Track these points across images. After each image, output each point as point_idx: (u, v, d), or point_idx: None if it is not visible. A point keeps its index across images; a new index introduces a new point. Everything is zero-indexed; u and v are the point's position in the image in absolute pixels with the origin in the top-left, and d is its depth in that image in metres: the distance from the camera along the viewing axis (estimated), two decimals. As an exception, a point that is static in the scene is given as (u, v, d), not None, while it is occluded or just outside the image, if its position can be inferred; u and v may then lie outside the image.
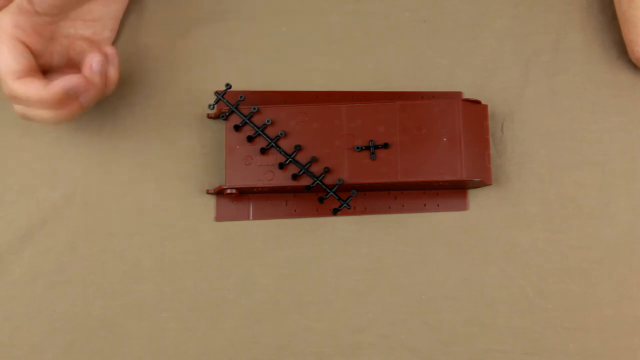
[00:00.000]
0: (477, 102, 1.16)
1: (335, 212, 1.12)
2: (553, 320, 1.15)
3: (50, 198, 1.18)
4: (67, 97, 1.01)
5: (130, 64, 1.22)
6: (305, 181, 1.13)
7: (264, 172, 1.13)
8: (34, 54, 1.04)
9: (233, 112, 1.14)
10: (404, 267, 1.17)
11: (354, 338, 1.15)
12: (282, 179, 1.13)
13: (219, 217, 1.18)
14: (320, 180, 1.11)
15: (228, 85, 1.14)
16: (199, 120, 1.21)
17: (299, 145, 1.13)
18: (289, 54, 1.23)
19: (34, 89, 1.00)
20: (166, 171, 1.19)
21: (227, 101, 1.15)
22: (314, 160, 1.12)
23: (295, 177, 1.12)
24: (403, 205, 1.19)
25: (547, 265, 1.17)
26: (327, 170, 1.12)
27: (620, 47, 1.22)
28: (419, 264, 1.17)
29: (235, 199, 1.18)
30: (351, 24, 1.24)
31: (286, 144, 1.13)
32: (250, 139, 1.14)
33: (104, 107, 1.20)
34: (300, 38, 1.24)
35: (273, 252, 1.17)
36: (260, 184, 1.13)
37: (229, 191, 1.14)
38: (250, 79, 1.22)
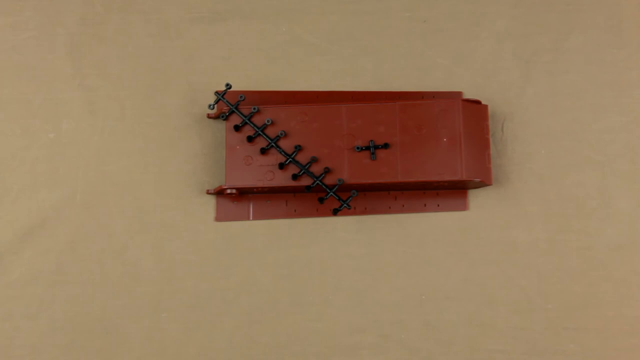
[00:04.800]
0: (477, 102, 1.16)
1: (335, 212, 1.12)
2: (553, 320, 1.15)
3: (50, 198, 1.18)
4: None
5: (130, 65, 1.22)
6: (306, 181, 1.13)
7: (264, 172, 1.13)
8: None
9: (233, 112, 1.14)
10: (404, 267, 1.17)
11: (354, 338, 1.15)
12: (282, 179, 1.13)
13: (219, 217, 1.18)
14: (320, 181, 1.11)
15: (228, 85, 1.14)
16: (199, 120, 1.21)
17: (299, 145, 1.13)
18: (289, 54, 1.23)
19: None
20: (166, 171, 1.19)
21: (227, 101, 1.15)
22: (314, 160, 1.12)
23: (295, 177, 1.12)
24: (403, 205, 1.19)
25: (547, 265, 1.17)
26: (327, 171, 1.12)
27: (621, 48, 1.22)
28: (419, 264, 1.17)
29: (235, 199, 1.18)
30: (351, 24, 1.24)
31: (286, 144, 1.13)
32: (250, 139, 1.14)
33: (105, 106, 1.21)
34: (300, 38, 1.24)
35: (273, 252, 1.17)
36: (260, 184, 1.13)
37: (229, 191, 1.14)
38: (250, 79, 1.22)
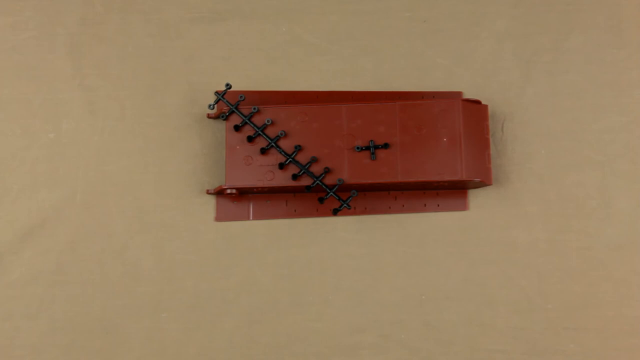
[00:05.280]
0: (477, 102, 1.16)
1: (335, 212, 1.12)
2: (553, 320, 1.15)
3: (50, 198, 1.18)
4: None
5: (130, 65, 1.22)
6: (306, 181, 1.13)
7: (264, 172, 1.13)
8: None
9: (233, 112, 1.15)
10: (404, 267, 1.17)
11: (354, 338, 1.15)
12: (282, 179, 1.13)
13: (219, 217, 1.18)
14: (320, 181, 1.11)
15: (228, 85, 1.14)
16: (199, 120, 1.21)
17: (299, 145, 1.13)
18: (289, 54, 1.23)
19: None
20: (166, 171, 1.19)
21: (227, 101, 1.15)
22: (314, 160, 1.12)
23: (295, 177, 1.12)
24: (403, 205, 1.19)
25: (547, 265, 1.17)
26: (327, 171, 1.12)
27: (621, 48, 1.22)
28: (419, 264, 1.17)
29: (235, 199, 1.18)
30: (351, 24, 1.24)
31: (286, 144, 1.13)
32: (250, 139, 1.14)
33: (105, 106, 1.21)
34: (300, 38, 1.24)
35: (273, 252, 1.17)
36: (260, 184, 1.13)
37: (229, 191, 1.14)
38: (250, 79, 1.22)
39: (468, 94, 1.21)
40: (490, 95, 1.21)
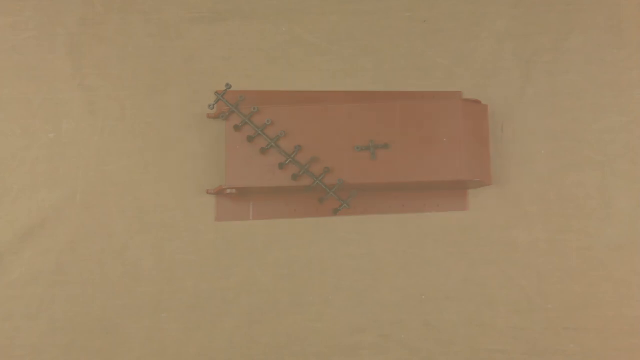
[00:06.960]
0: (477, 102, 1.16)
1: (335, 212, 1.12)
2: (553, 320, 1.15)
3: (50, 198, 1.18)
4: None
5: (130, 65, 1.22)
6: (306, 181, 1.13)
7: (264, 172, 1.13)
8: None
9: (233, 112, 1.15)
10: (404, 267, 1.17)
11: (354, 338, 1.15)
12: (282, 179, 1.13)
13: (219, 217, 1.18)
14: (321, 181, 1.11)
15: (228, 85, 1.14)
16: (199, 120, 1.21)
17: (299, 146, 1.13)
18: (289, 54, 1.23)
19: None
20: (166, 171, 1.19)
21: (227, 101, 1.15)
22: (314, 160, 1.12)
23: (295, 177, 1.12)
24: (403, 205, 1.19)
25: (547, 265, 1.17)
26: (327, 171, 1.12)
27: (621, 48, 1.22)
28: (419, 264, 1.17)
29: (236, 199, 1.18)
30: (351, 24, 1.24)
31: (286, 144, 1.13)
32: (250, 139, 1.14)
33: (105, 106, 1.21)
34: (300, 38, 1.24)
35: (273, 252, 1.17)
36: (260, 184, 1.13)
37: (229, 191, 1.14)
38: (250, 79, 1.22)
39: (468, 94, 1.21)
40: (490, 95, 1.21)
